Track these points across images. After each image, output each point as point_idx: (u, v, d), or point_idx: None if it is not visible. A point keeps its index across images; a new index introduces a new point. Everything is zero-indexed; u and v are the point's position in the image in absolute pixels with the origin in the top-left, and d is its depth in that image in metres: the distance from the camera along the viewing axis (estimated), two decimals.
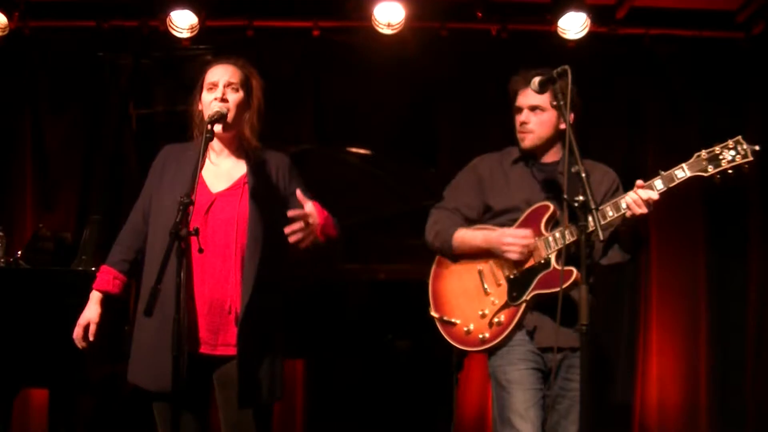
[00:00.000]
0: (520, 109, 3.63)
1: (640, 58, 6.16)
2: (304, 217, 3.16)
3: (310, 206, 3.19)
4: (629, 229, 3.41)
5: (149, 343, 3.19)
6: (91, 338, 3.31)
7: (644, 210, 3.27)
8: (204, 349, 3.20)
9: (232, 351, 3.20)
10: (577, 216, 3.26)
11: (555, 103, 3.30)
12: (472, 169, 3.78)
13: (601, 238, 3.05)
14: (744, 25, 6.08)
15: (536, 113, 3.58)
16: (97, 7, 5.88)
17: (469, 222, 3.70)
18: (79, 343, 3.32)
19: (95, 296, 3.34)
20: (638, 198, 3.27)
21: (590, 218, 3.02)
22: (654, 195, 3.27)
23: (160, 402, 3.21)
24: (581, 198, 3.04)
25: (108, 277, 3.34)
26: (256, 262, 3.22)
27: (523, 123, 3.61)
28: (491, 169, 3.71)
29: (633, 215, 3.30)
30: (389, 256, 5.07)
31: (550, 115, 3.57)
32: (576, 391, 3.42)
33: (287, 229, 3.15)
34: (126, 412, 5.04)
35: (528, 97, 3.58)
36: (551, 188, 3.57)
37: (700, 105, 6.16)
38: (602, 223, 3.27)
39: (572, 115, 3.46)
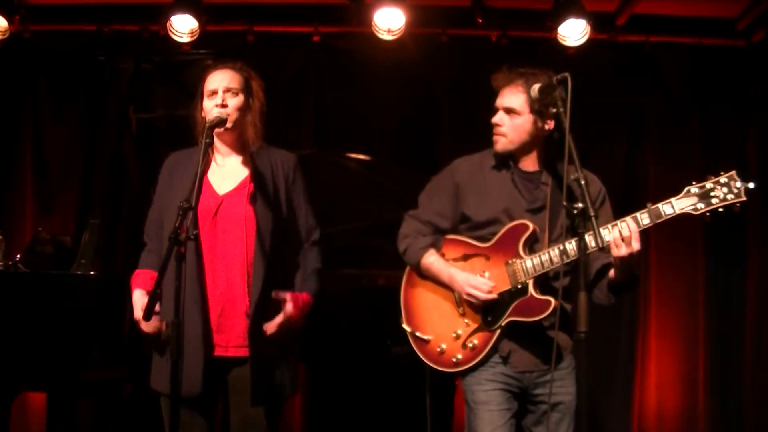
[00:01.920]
0: (496, 110, 3.49)
1: (640, 65, 6.17)
2: (285, 321, 3.31)
3: (289, 307, 3.31)
4: (620, 272, 3.26)
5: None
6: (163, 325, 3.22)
7: (623, 252, 3.11)
8: (218, 352, 3.23)
9: (244, 352, 3.23)
10: (560, 232, 3.24)
11: (554, 110, 3.25)
12: (448, 174, 3.63)
13: (601, 244, 3.02)
14: (744, 32, 6.09)
15: (511, 116, 3.43)
16: (97, 12, 5.89)
17: (442, 232, 3.59)
18: (158, 328, 3.21)
19: (139, 293, 3.29)
20: (618, 237, 3.12)
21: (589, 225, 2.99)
22: (626, 232, 3.11)
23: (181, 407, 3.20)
24: (580, 205, 2.98)
25: (146, 278, 3.32)
26: (266, 260, 3.25)
27: (496, 125, 3.47)
28: (470, 174, 3.56)
29: (618, 256, 3.14)
30: (388, 261, 5.07)
31: (525, 120, 3.41)
32: (564, 403, 3.41)
33: (267, 327, 3.26)
34: (125, 415, 5.04)
35: (504, 98, 3.46)
36: (534, 200, 3.45)
37: (701, 112, 6.16)
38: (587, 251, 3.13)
39: (552, 123, 3.40)
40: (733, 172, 3.14)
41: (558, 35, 5.61)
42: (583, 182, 2.99)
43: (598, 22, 5.62)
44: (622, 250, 3.11)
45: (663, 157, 6.07)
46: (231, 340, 3.25)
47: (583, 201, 2.98)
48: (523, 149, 3.47)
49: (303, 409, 5.93)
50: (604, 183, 3.59)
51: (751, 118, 6.15)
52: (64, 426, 4.15)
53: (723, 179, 3.14)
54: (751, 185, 3.12)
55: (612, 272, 3.32)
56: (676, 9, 6.06)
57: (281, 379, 3.31)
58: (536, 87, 3.32)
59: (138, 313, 3.25)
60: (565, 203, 3.07)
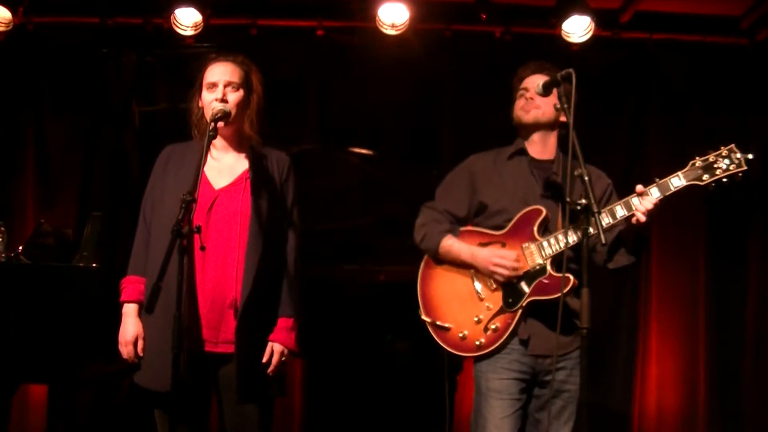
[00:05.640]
0: (525, 90, 3.63)
1: (643, 62, 6.16)
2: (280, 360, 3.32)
3: (277, 354, 3.30)
4: (633, 232, 3.41)
5: (155, 343, 3.19)
6: (141, 354, 3.25)
7: (645, 219, 3.29)
8: (207, 347, 3.22)
9: (233, 348, 3.22)
10: (573, 219, 3.27)
11: (558, 105, 3.29)
12: (465, 167, 3.76)
13: (603, 241, 3.06)
14: (748, 31, 6.07)
15: (544, 96, 3.50)
16: (101, 4, 5.87)
17: (459, 221, 3.69)
18: (132, 360, 3.26)
19: (131, 309, 3.28)
20: (641, 205, 3.30)
21: (592, 221, 3.04)
22: (649, 205, 3.29)
23: (163, 403, 3.20)
24: (583, 201, 3.04)
25: (137, 287, 3.29)
26: (258, 256, 3.24)
27: (530, 99, 3.60)
28: (485, 166, 3.70)
29: (637, 220, 3.31)
30: (389, 257, 5.07)
31: (555, 101, 3.50)
32: (569, 392, 3.49)
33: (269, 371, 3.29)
34: (125, 408, 5.04)
35: (538, 78, 3.51)
36: (547, 188, 3.57)
37: (704, 110, 6.16)
38: (612, 222, 3.36)
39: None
40: (732, 145, 3.35)
41: (562, 32, 5.62)
42: (587, 178, 3.04)
43: (601, 19, 5.62)
44: (644, 218, 3.30)
45: (665, 154, 6.07)
46: (221, 335, 3.23)
47: (587, 197, 3.02)
48: (547, 129, 3.64)
49: (302, 407, 5.92)
50: None
51: (753, 117, 6.14)
52: (64, 419, 4.15)
53: (724, 152, 3.34)
54: (750, 156, 3.32)
55: (626, 237, 3.48)
56: (680, 7, 6.05)
57: (267, 378, 3.30)
58: (540, 82, 3.35)
59: (124, 337, 3.26)
60: (568, 199, 3.12)
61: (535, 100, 3.58)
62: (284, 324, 3.34)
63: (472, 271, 3.59)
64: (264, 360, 3.28)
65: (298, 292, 3.42)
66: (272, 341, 3.30)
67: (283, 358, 3.32)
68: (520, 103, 3.66)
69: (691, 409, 6.06)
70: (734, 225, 6.15)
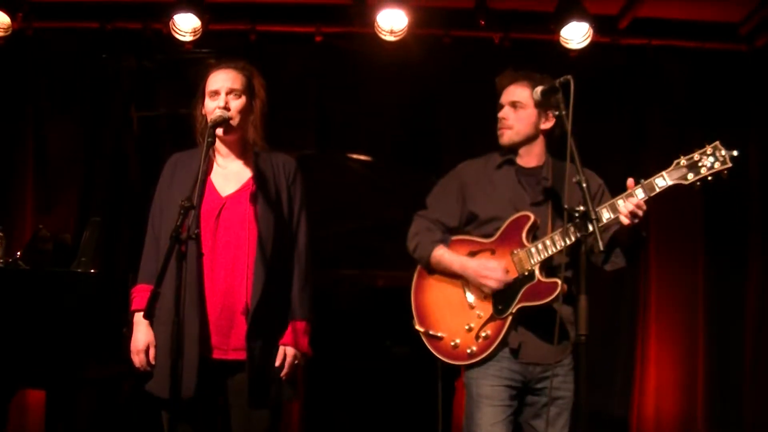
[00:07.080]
0: (501, 106, 3.63)
1: (642, 68, 6.17)
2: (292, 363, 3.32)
3: (289, 358, 3.30)
4: (629, 233, 3.38)
5: (165, 352, 3.16)
6: (153, 362, 3.23)
7: (630, 221, 3.25)
8: (217, 354, 3.22)
9: (244, 355, 3.22)
10: (562, 224, 3.29)
11: (557, 112, 3.29)
12: (455, 175, 3.75)
13: (602, 248, 3.05)
14: (747, 37, 6.09)
15: (516, 110, 3.57)
16: (100, 9, 5.89)
17: (450, 231, 3.68)
18: (144, 368, 3.25)
19: (142, 317, 3.22)
20: (623, 207, 3.26)
21: (591, 228, 3.03)
22: (630, 207, 3.24)
23: (171, 407, 3.18)
24: (581, 208, 3.04)
25: (147, 295, 3.25)
26: (267, 262, 3.24)
27: (501, 119, 3.61)
28: (475, 174, 3.68)
29: (627, 225, 3.28)
30: (388, 262, 5.07)
31: (530, 113, 3.56)
32: (563, 399, 3.49)
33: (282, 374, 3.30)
34: (124, 412, 5.04)
35: (509, 93, 3.60)
36: (536, 196, 3.56)
37: (703, 116, 6.16)
38: (599, 226, 3.24)
39: (553, 120, 3.52)
40: (717, 143, 3.29)
41: (560, 38, 5.62)
42: (585, 185, 3.06)
43: (600, 25, 5.62)
44: (628, 220, 3.25)
45: (664, 160, 6.04)
46: (231, 342, 3.23)
47: (585, 204, 3.02)
48: (527, 143, 3.60)
49: (302, 411, 5.92)
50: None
51: (752, 123, 6.15)
52: (63, 424, 4.15)
53: (708, 150, 3.29)
54: (735, 153, 3.25)
55: (620, 238, 3.44)
56: (679, 13, 6.06)
57: (280, 383, 3.30)
58: (539, 89, 3.37)
59: (136, 346, 3.25)
60: (566, 206, 3.12)
61: (507, 119, 3.58)
62: (296, 327, 3.35)
63: (463, 279, 3.58)
64: (277, 364, 3.28)
65: (311, 294, 3.43)
66: (284, 345, 3.31)
67: (296, 361, 3.33)
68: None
69: (689, 414, 6.06)
70: (734, 226, 6.15)
